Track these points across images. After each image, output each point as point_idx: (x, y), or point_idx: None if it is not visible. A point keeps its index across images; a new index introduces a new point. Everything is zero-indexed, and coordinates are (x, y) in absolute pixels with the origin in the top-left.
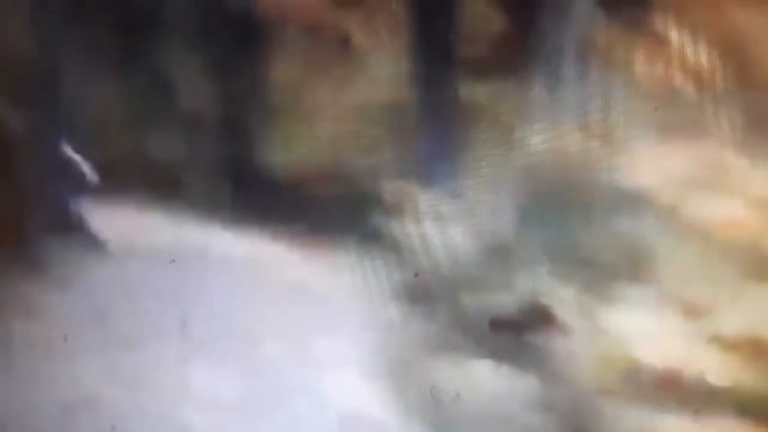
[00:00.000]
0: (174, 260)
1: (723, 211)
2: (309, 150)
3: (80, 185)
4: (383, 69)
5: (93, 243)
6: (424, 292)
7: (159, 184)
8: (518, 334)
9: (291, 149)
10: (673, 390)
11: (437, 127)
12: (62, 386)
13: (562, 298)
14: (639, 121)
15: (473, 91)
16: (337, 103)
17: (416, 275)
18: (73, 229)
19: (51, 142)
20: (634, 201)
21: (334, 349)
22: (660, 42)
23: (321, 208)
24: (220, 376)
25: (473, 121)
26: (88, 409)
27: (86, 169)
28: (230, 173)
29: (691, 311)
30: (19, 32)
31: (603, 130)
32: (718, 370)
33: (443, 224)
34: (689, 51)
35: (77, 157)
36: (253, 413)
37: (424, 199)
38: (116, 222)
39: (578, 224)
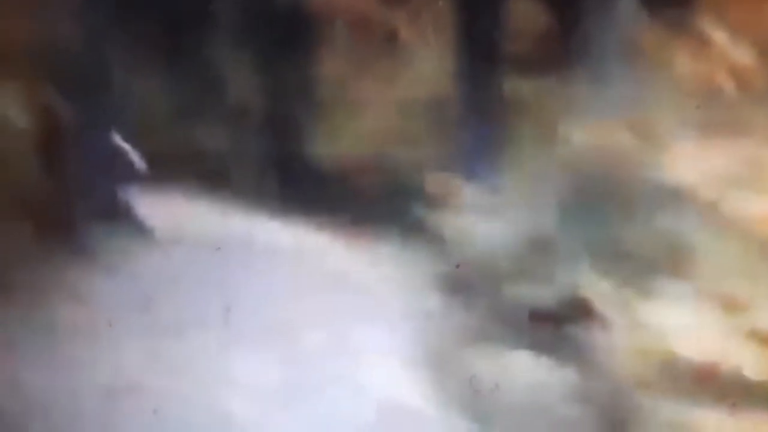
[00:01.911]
0: (219, 249)
1: (762, 208)
2: (354, 143)
3: (128, 174)
4: (428, 65)
5: (140, 230)
6: (465, 284)
7: (206, 175)
8: (557, 326)
9: (337, 142)
10: (710, 383)
11: (480, 122)
12: (106, 371)
13: (602, 292)
14: (680, 119)
15: (517, 88)
16: (383, 98)
17: (457, 266)
18: (121, 217)
19: (100, 131)
20: (674, 197)
21: (374, 339)
22: (702, 42)
23: (365, 200)
24: (262, 364)
25: (516, 116)
26: (130, 394)
27: (134, 158)
28: (277, 165)
29: (729, 306)
30: (70, 23)
31: (645, 127)
32: (754, 364)
33: (485, 217)
34: (731, 51)
35: (126, 147)
36: (294, 401)
37: (466, 192)
38: (163, 210)
39: (619, 219)
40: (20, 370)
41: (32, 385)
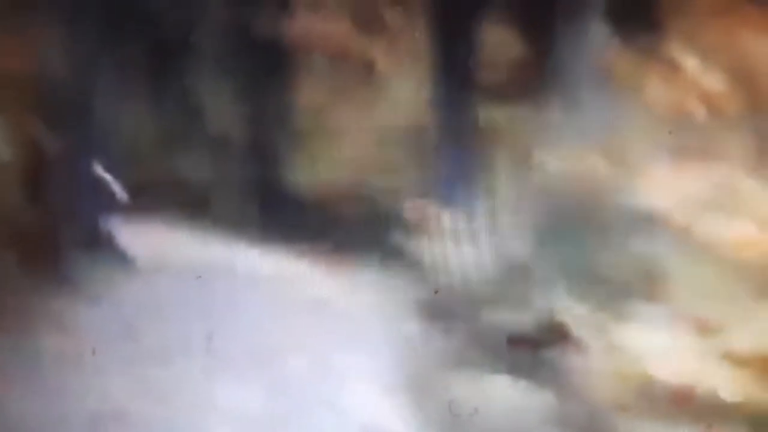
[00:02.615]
0: (201, 277)
1: (735, 232)
2: (333, 171)
3: (110, 204)
4: (405, 94)
5: (122, 259)
6: (444, 309)
7: (187, 204)
8: (535, 350)
9: (316, 170)
10: (687, 405)
11: (457, 149)
12: (91, 399)
13: (578, 316)
14: (653, 144)
15: (492, 115)
16: (361, 127)
17: (436, 292)
18: (103, 246)
19: (83, 161)
20: (648, 222)
21: (355, 364)
22: (673, 68)
23: (344, 227)
24: (245, 390)
25: (492, 143)
26: (116, 421)
27: (116, 188)
28: (257, 193)
29: (704, 329)
30: (54, 55)
31: (618, 153)
32: (729, 385)
33: (462, 243)
34: (702, 77)
35: (108, 177)
36: (277, 426)
37: (444, 218)
38: (145, 239)
39: (594, 244)
40: (7, 397)
41: (19, 411)
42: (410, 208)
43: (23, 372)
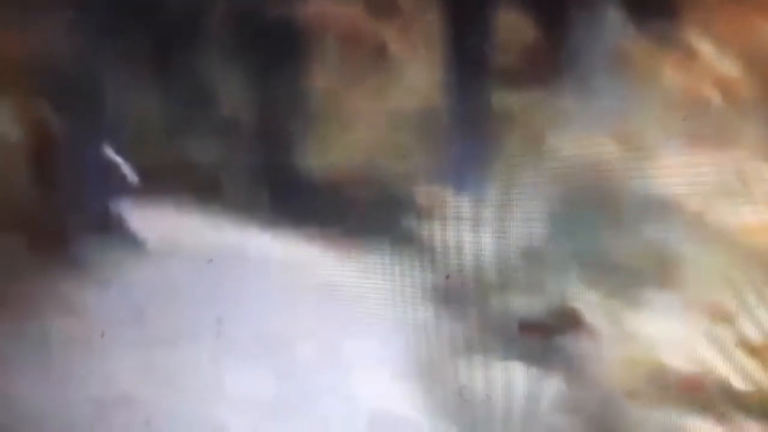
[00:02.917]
0: (211, 261)
1: (748, 219)
2: (345, 155)
3: (120, 187)
4: (418, 77)
5: (132, 243)
6: (455, 295)
7: (198, 187)
8: (547, 337)
9: (327, 154)
10: (698, 393)
11: (470, 134)
12: (98, 383)
13: (591, 303)
14: (667, 131)
15: (505, 100)
16: (373, 110)
17: (447, 278)
18: (113, 230)
19: (93, 144)
20: (661, 208)
21: (366, 350)
22: (689, 54)
23: (355, 212)
24: (254, 376)
25: (505, 128)
26: (122, 406)
27: (127, 171)
28: (268, 177)
29: (717, 316)
30: (62, 37)
31: (632, 139)
32: (742, 374)
33: (474, 228)
34: (717, 63)
35: (118, 160)
36: (286, 412)
37: (456, 203)
38: (155, 223)
39: (607, 230)
40: (13, 381)
41: (25, 396)
42: (422, 192)
43: (31, 355)
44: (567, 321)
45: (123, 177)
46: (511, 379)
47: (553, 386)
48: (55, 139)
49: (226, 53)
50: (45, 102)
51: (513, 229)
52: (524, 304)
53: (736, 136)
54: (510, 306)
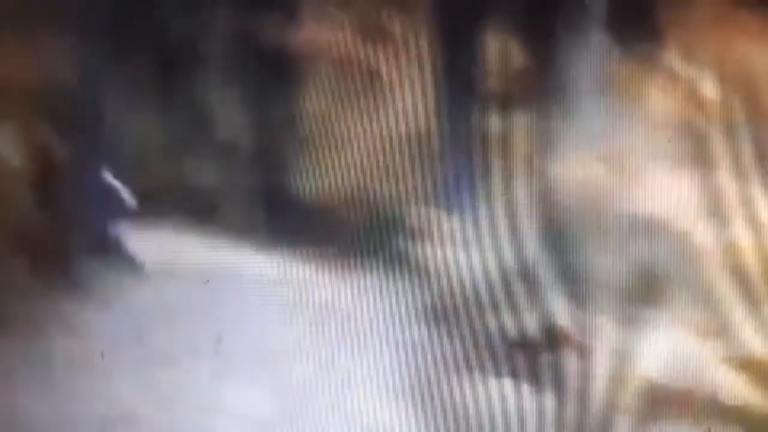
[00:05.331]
0: (208, 281)
1: (733, 238)
2: (338, 177)
3: (119, 210)
4: (409, 102)
5: (131, 265)
6: (447, 314)
7: (195, 209)
8: (537, 354)
9: (321, 177)
10: (687, 409)
11: (460, 156)
12: (100, 402)
13: (580, 320)
14: (653, 152)
15: (494, 123)
16: (365, 134)
17: (439, 297)
18: (112, 252)
19: (92, 168)
20: (648, 227)
21: (360, 368)
22: (673, 77)
23: (349, 232)
24: (252, 394)
25: (494, 150)
26: (125, 424)
27: (125, 194)
28: (264, 199)
29: (704, 332)
30: (62, 61)
31: (618, 161)
32: (729, 389)
33: (465, 248)
34: (701, 86)
35: (117, 183)
36: (284, 429)
37: (448, 224)
38: (153, 245)
39: (595, 249)
40: (17, 400)
41: (29, 415)
42: (414, 213)
43: (33, 375)
44: (557, 339)
45: (121, 201)
46: (502, 397)
47: (543, 403)
48: (58, 164)
49: (223, 79)
50: (48, 126)
51: (503, 248)
52: (515, 323)
53: (721, 157)
54: (501, 324)
